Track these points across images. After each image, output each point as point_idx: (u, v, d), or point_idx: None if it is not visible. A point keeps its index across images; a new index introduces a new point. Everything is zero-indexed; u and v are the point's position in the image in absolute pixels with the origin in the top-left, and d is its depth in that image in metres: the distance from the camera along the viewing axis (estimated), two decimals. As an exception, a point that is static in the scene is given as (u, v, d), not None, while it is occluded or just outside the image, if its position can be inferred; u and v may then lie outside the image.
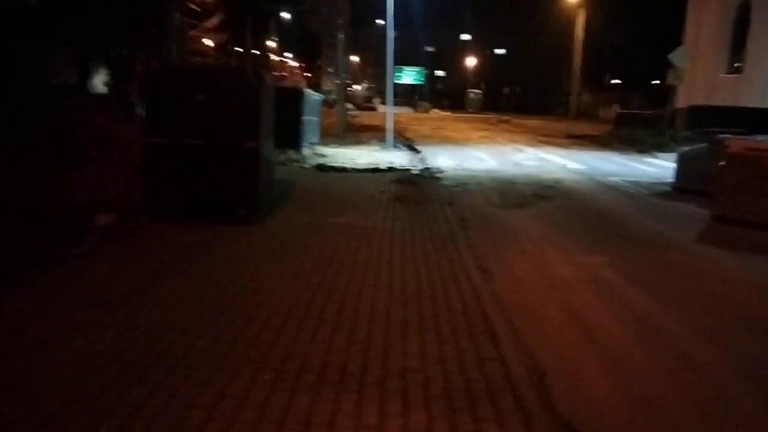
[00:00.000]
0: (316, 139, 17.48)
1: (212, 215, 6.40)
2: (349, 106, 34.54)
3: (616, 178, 12.52)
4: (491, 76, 59.82)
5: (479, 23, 62.26)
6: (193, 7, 33.52)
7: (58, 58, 27.93)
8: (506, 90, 57.59)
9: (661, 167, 15.14)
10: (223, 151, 6.31)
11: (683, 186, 10.77)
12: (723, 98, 23.26)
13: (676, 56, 21.73)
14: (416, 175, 12.02)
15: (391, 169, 12.29)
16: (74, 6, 23.45)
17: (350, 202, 8.42)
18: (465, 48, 67.76)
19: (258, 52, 71.49)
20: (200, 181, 6.30)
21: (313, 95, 16.79)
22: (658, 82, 50.94)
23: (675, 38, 39.24)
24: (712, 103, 23.57)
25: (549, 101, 51.80)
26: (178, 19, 32.68)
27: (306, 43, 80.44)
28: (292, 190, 9.12)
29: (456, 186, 10.90)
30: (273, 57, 77.29)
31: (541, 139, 24.06)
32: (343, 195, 8.99)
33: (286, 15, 59.17)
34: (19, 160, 7.97)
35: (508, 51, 61.39)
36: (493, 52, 64.99)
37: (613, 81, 53.26)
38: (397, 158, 15.64)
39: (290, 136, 14.75)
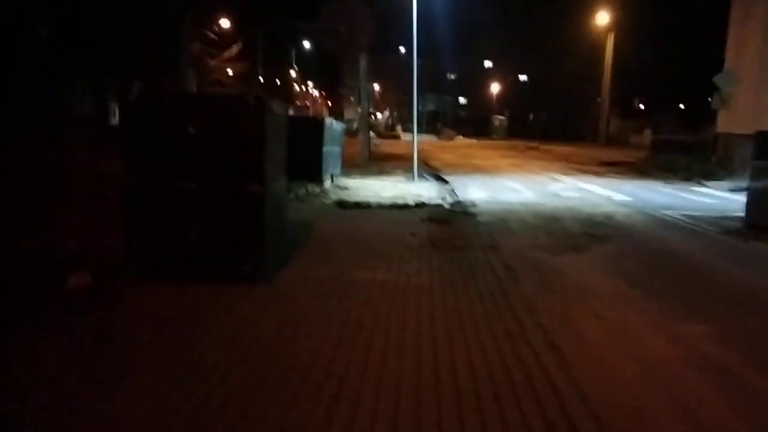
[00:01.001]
0: (338, 171, 16.35)
1: (208, 273, 5.19)
2: (372, 134, 33.57)
3: (672, 212, 11.13)
4: (515, 102, 58.63)
5: (502, 49, 61.32)
6: (212, 36, 32.94)
7: (74, 89, 27.43)
8: (531, 116, 56.32)
9: (716, 198, 13.73)
10: (221, 196, 5.12)
11: (758, 223, 9.35)
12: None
13: (721, 79, 20.37)
14: (448, 210, 10.77)
15: (419, 205, 11.05)
16: (84, 35, 22.85)
17: (377, 248, 7.17)
18: (488, 74, 66.84)
19: (279, 82, 71.36)
20: (193, 232, 5.10)
21: (334, 124, 15.69)
22: (682, 106, 49.46)
23: (711, 60, 37.81)
24: (759, 128, 22.16)
25: (576, 127, 50.38)
26: (197, 47, 32.23)
27: (327, 71, 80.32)
28: (309, 234, 7.91)
29: (494, 223, 9.62)
30: (295, 86, 77.08)
31: (575, 167, 22.70)
32: (369, 239, 7.75)
33: (306, 44, 58.68)
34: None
35: (532, 77, 60.25)
36: (516, 78, 63.91)
37: (640, 106, 51.80)
38: (425, 190, 14.43)
39: (310, 169, 13.64)
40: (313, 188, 12.85)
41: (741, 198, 13.65)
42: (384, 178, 17.34)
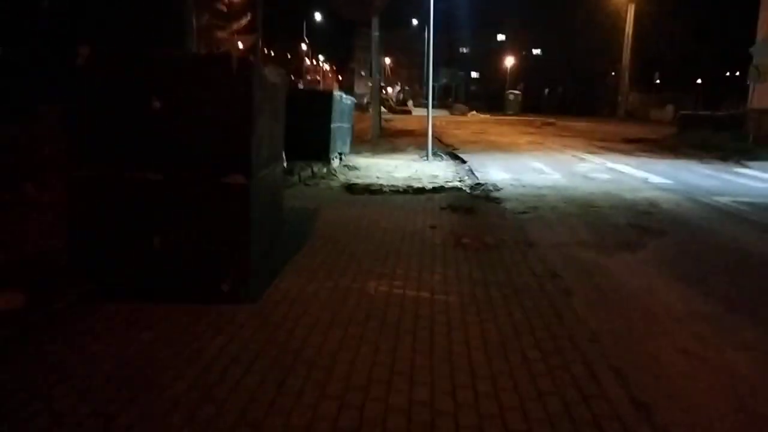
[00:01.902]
0: (347, 149, 15.09)
1: (177, 292, 4.00)
2: (383, 109, 32.20)
3: (725, 199, 9.81)
4: (530, 76, 56.75)
5: (516, 23, 59.35)
6: (222, 8, 31.44)
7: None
8: (546, 91, 54.56)
9: (765, 181, 12.37)
10: (193, 191, 3.90)
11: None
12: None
13: (759, 50, 18.81)
14: (469, 195, 9.53)
15: (437, 189, 9.78)
16: (86, 6, 21.53)
17: (391, 247, 5.94)
18: (501, 48, 64.90)
19: (289, 56, 69.86)
20: (157, 237, 3.90)
21: (344, 99, 14.38)
22: (699, 81, 47.44)
23: (740, 33, 35.96)
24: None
25: (593, 102, 48.61)
26: (205, 18, 30.79)
27: (338, 45, 78.60)
28: (311, 228, 6.69)
29: (525, 212, 8.36)
30: (306, 60, 75.43)
31: (598, 144, 21.29)
32: (382, 233, 6.52)
33: (317, 16, 56.97)
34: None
35: (547, 50, 58.31)
36: (530, 52, 61.98)
37: (657, 81, 49.91)
38: (441, 170, 13.17)
39: (316, 147, 12.41)
40: (320, 169, 11.62)
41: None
42: (396, 156, 16.08)
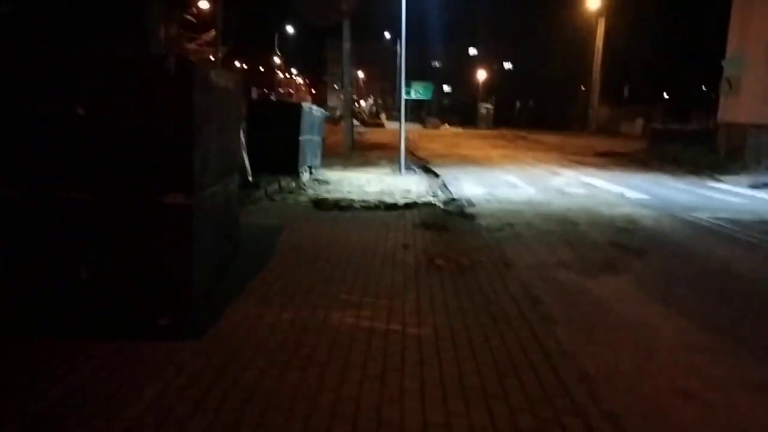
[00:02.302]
0: (317, 162, 14.57)
1: (109, 326, 3.43)
2: (356, 122, 31.69)
3: (703, 215, 9.48)
4: (501, 90, 56.82)
5: (488, 36, 59.50)
6: (190, 18, 30.80)
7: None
8: (518, 104, 54.62)
9: (740, 196, 12.12)
10: (125, 212, 3.35)
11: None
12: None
13: (730, 63, 18.75)
14: (443, 211, 9.06)
15: (409, 205, 9.30)
16: (51, 14, 20.75)
17: (359, 269, 5.43)
18: (473, 62, 65.00)
19: (262, 69, 69.20)
20: (84, 265, 3.33)
21: (313, 111, 13.87)
22: (666, 95, 47.76)
23: (709, 47, 36.28)
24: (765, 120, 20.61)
25: (565, 115, 48.73)
26: (174, 30, 30.08)
27: (311, 58, 78.13)
28: (273, 248, 6.15)
29: (500, 229, 7.93)
30: (278, 73, 74.78)
31: (570, 158, 21.06)
32: (350, 254, 6.00)
33: (289, 29, 56.46)
34: None
35: (518, 64, 58.46)
36: (502, 66, 62.15)
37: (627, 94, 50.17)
38: (414, 185, 12.72)
39: (285, 161, 11.89)
40: (289, 183, 11.08)
41: (766, 196, 12.16)
42: (368, 169, 15.61)
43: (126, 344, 3.39)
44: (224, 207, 4.27)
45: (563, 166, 17.74)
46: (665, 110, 40.84)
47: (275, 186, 10.41)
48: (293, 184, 11.27)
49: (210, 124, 3.63)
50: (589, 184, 13.38)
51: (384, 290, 4.81)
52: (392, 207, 8.98)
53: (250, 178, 9.71)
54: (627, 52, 38.32)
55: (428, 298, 4.64)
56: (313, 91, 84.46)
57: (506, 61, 60.73)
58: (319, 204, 8.68)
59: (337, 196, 10.39)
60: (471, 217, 8.69)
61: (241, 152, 9.78)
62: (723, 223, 8.79)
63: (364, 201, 9.82)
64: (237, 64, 62.50)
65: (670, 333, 4.27)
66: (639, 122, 38.40)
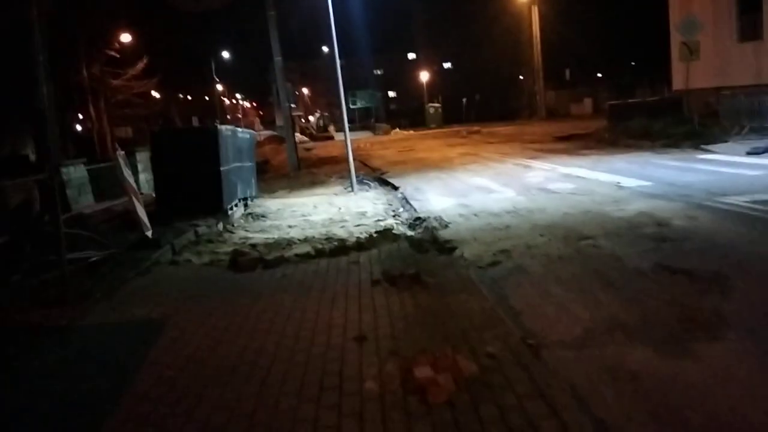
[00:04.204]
0: (253, 191, 11.79)
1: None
2: (299, 137, 28.81)
3: (739, 200, 7.03)
4: (446, 88, 54.45)
5: (426, 39, 57.19)
6: (113, 54, 27.59)
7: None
8: (465, 100, 52.31)
9: (751, 167, 9.78)
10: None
11: None
12: (741, 74, 18.14)
13: (686, 27, 16.52)
14: (412, 244, 6.42)
15: (364, 244, 6.55)
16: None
17: (273, 419, 2.74)
18: (414, 65, 62.71)
19: (207, 98, 65.74)
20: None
21: (239, 134, 11.05)
22: (600, 75, 45.96)
23: (643, 20, 34.52)
24: (727, 83, 18.53)
25: (512, 105, 46.58)
26: (96, 68, 26.91)
27: (255, 82, 74.82)
28: (129, 376, 3.39)
29: (495, 263, 5.36)
30: (224, 100, 71.30)
31: (533, 146, 18.66)
32: (263, 375, 3.28)
33: (226, 56, 53.24)
34: None
35: (458, 61, 56.25)
36: (442, 66, 59.96)
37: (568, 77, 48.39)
38: (370, 204, 10.11)
39: (207, 199, 9.10)
40: (210, 228, 8.31)
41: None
42: (317, 190, 12.94)
43: None
44: None
45: (531, 157, 15.27)
46: (610, 87, 39.05)
47: (189, 236, 7.63)
48: (218, 227, 8.52)
49: None
50: (572, 176, 10.89)
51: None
52: (341, 249, 6.25)
53: (148, 234, 6.90)
54: (563, 36, 36.28)
55: None
56: (261, 113, 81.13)
57: (446, 61, 58.56)
58: (238, 263, 5.87)
59: (273, 236, 7.70)
60: (449, 248, 6.07)
61: (132, 200, 6.97)
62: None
63: (305, 240, 7.16)
64: (183, 96, 59.13)
65: None
66: (587, 102, 36.47)
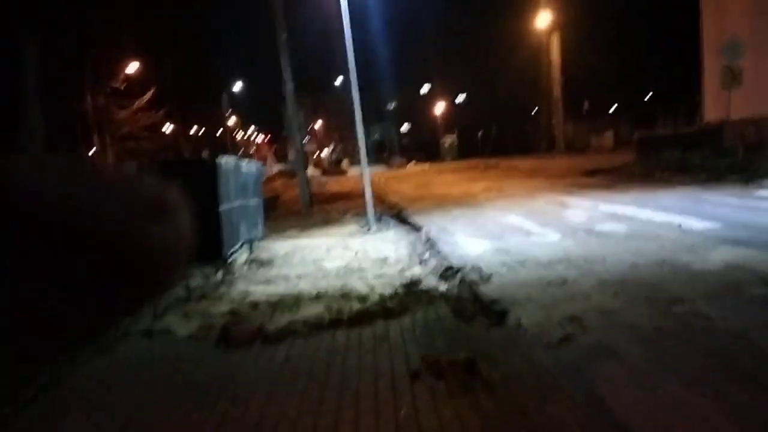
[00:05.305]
0: (259, 233, 10.54)
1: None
2: (311, 171, 27.75)
3: None
4: (461, 120, 53.51)
5: (441, 70, 56.46)
6: (118, 86, 26.78)
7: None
8: (481, 132, 51.21)
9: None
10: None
11: None
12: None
13: (729, 50, 15.30)
14: (448, 301, 5.09)
15: (390, 309, 5.19)
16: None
17: None
18: (429, 97, 61.91)
19: (219, 131, 65.20)
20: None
21: (242, 168, 9.82)
22: (615, 105, 44.68)
23: (669, 47, 33.49)
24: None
25: (529, 138, 45.38)
26: (101, 100, 26.12)
27: (268, 114, 74.35)
28: None
29: (567, 339, 4.01)
30: (236, 133, 70.69)
31: (562, 182, 17.33)
32: None
33: (239, 87, 52.63)
34: None
35: (474, 92, 55.33)
36: (458, 97, 59.08)
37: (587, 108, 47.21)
38: (391, 248, 8.79)
39: (203, 244, 7.78)
40: (206, 279, 7.04)
41: None
42: (330, 230, 11.65)
43: None
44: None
45: (564, 192, 13.94)
46: (629, 119, 37.81)
47: (179, 291, 6.34)
48: (216, 278, 7.25)
49: None
50: (618, 215, 9.53)
51: None
52: (362, 316, 4.89)
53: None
54: (582, 66, 35.21)
55: None
56: (275, 148, 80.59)
57: (462, 92, 57.66)
58: (230, 337, 4.51)
59: (280, 290, 6.41)
60: (498, 312, 4.73)
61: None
62: None
63: (317, 296, 5.87)
64: (195, 128, 58.39)
65: None
66: (609, 134, 35.17)
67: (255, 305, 5.78)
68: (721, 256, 5.99)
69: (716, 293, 4.75)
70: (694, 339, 3.81)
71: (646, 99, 40.05)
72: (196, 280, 6.87)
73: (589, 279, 5.65)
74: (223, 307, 5.80)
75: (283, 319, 5.08)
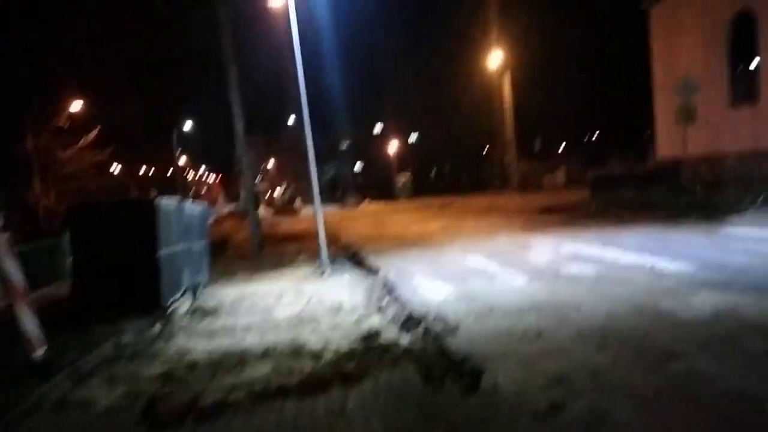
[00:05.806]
0: (204, 277, 9.75)
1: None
2: (263, 212, 26.92)
3: None
4: (415, 158, 53.62)
5: (394, 110, 56.65)
6: (61, 125, 25.59)
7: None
8: (434, 171, 51.23)
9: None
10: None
11: None
12: (735, 140, 17.06)
13: (684, 88, 15.42)
14: (413, 359, 4.48)
15: (348, 374, 4.56)
16: None
17: None
18: (382, 136, 61.95)
19: (169, 171, 63.66)
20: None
21: (186, 209, 9.08)
22: (564, 144, 45.67)
23: (619, 89, 34.26)
24: (722, 148, 17.43)
25: (482, 176, 45.55)
26: (43, 139, 24.86)
27: (219, 154, 73.12)
28: None
29: (556, 409, 3.42)
30: (189, 174, 69.21)
31: (519, 220, 17.03)
32: None
33: (189, 126, 51.45)
34: None
35: (427, 131, 55.62)
36: (411, 135, 59.29)
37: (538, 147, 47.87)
38: (346, 293, 8.16)
39: (139, 292, 7.07)
40: (141, 332, 6.25)
41: None
42: (282, 274, 10.92)
43: None
44: None
45: (524, 231, 13.57)
46: (579, 157, 38.33)
47: (107, 349, 5.54)
48: (153, 331, 6.46)
49: None
50: (584, 256, 9.14)
51: None
52: (315, 382, 4.22)
53: (38, 353, 4.79)
54: (533, 105, 35.69)
55: None
56: (225, 188, 79.14)
57: (414, 131, 57.86)
58: (156, 414, 3.77)
59: (223, 345, 5.70)
60: (472, 372, 4.15)
61: (18, 304, 4.88)
62: None
63: (265, 353, 5.19)
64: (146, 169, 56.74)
65: None
66: (560, 173, 35.53)
67: (193, 365, 5.06)
68: (706, 301, 5.58)
69: (710, 347, 4.28)
70: (702, 406, 3.29)
71: (594, 138, 40.82)
72: (128, 335, 6.08)
73: (565, 330, 5.13)
74: (156, 369, 5.04)
75: (224, 383, 4.37)
